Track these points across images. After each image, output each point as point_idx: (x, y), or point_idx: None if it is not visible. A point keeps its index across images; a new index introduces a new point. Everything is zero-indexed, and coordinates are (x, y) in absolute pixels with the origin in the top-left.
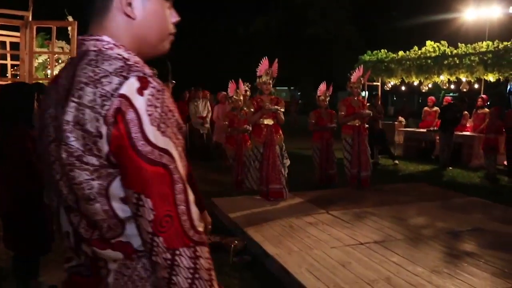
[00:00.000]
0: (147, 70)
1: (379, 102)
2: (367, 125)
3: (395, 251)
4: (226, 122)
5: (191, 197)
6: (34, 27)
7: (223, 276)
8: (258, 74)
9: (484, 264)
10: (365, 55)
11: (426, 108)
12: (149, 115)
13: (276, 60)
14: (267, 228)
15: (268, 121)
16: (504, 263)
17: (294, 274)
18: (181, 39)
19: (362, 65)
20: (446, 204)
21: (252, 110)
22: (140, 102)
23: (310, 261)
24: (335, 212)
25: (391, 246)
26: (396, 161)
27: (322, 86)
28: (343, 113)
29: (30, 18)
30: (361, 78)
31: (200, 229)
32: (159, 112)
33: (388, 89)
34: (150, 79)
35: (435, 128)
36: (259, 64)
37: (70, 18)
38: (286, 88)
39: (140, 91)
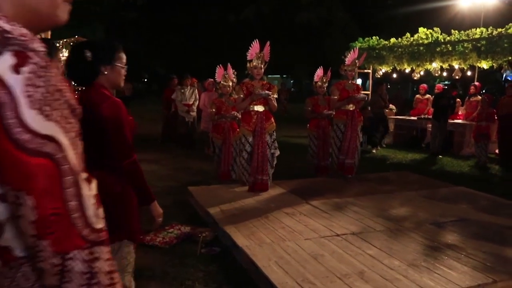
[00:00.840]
0: (35, 45)
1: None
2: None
3: (373, 243)
4: (213, 110)
5: (86, 190)
6: None
7: (188, 268)
8: (248, 57)
9: (466, 257)
10: (357, 42)
11: (417, 95)
12: (28, 96)
13: (268, 43)
14: (242, 219)
15: (259, 108)
16: (487, 256)
17: (262, 267)
18: (171, 27)
19: (357, 47)
20: (431, 193)
21: (241, 96)
22: (15, 82)
23: (281, 254)
24: (315, 202)
25: (369, 237)
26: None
27: (319, 71)
28: (336, 97)
29: None
30: (356, 61)
31: (99, 226)
32: (42, 92)
33: (379, 76)
34: (31, 54)
35: (427, 116)
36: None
37: None
38: (279, 76)
39: (16, 69)
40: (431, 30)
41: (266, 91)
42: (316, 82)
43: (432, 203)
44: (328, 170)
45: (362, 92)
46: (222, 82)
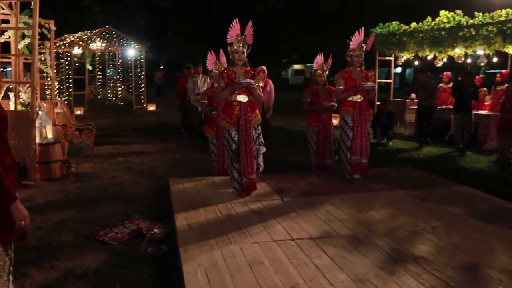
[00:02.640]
0: None
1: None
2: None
3: (327, 251)
4: (205, 101)
5: None
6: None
7: (123, 268)
8: (228, 40)
9: (427, 274)
10: (377, 27)
11: (441, 84)
12: None
13: (250, 23)
14: (201, 216)
15: (242, 98)
16: (454, 273)
17: (185, 273)
18: (205, 16)
19: (363, 28)
20: (424, 193)
21: (222, 85)
22: None
23: (216, 259)
24: (290, 200)
25: (327, 244)
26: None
27: (319, 58)
28: (341, 87)
29: None
30: (363, 45)
31: None
32: None
33: (400, 64)
34: None
35: (450, 106)
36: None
37: None
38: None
39: None
40: (453, 13)
41: (248, 80)
42: (315, 70)
43: (419, 205)
44: (330, 170)
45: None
46: (213, 70)
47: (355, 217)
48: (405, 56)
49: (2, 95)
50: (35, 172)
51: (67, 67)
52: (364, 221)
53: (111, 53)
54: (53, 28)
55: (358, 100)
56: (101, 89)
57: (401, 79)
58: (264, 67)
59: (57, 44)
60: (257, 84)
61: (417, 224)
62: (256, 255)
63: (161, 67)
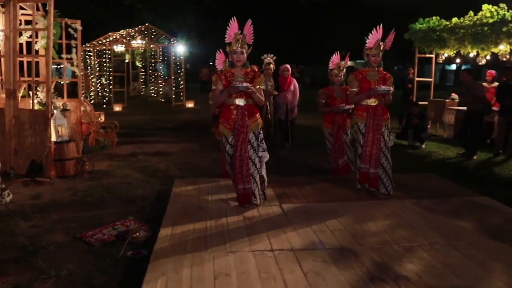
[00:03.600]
0: None
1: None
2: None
3: (303, 265)
4: (212, 102)
5: None
6: (18, 5)
7: (95, 272)
8: (226, 40)
9: None
10: (417, 23)
11: (484, 83)
12: None
13: (250, 21)
14: (189, 220)
15: (240, 101)
16: None
17: (145, 281)
18: (241, 12)
19: (381, 25)
20: (437, 204)
21: (220, 87)
22: None
23: (183, 268)
24: (289, 207)
25: (306, 256)
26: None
27: (335, 57)
28: (355, 89)
29: None
30: (381, 43)
31: None
32: None
33: (441, 61)
34: None
35: (494, 108)
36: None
37: None
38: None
39: None
40: (496, 7)
41: (245, 84)
42: (331, 70)
43: (426, 217)
44: (342, 171)
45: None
46: (222, 69)
47: (350, 228)
48: (445, 53)
49: (21, 94)
50: (50, 170)
51: (109, 65)
52: (357, 233)
53: (152, 51)
54: (79, 28)
55: (373, 104)
56: (144, 86)
57: (456, 77)
58: (287, 66)
59: (100, 42)
60: (258, 86)
61: (414, 239)
62: (225, 266)
63: (210, 63)
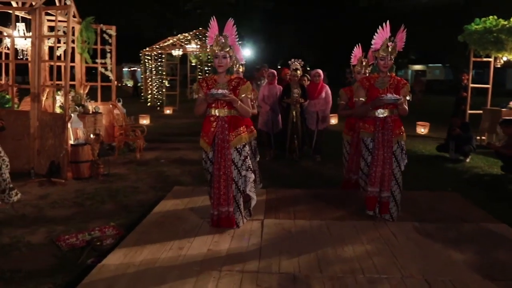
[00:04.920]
0: None
1: None
2: None
3: None
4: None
5: None
6: (43, 13)
7: (43, 277)
8: (208, 43)
9: None
10: (472, 23)
11: None
12: None
13: (230, 21)
14: (159, 231)
15: (220, 112)
16: None
17: None
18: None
19: (388, 22)
20: (442, 229)
21: (200, 95)
22: None
23: (115, 283)
24: (270, 222)
25: (252, 280)
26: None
27: (357, 51)
28: (362, 98)
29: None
30: (389, 43)
31: None
32: None
33: (499, 65)
34: None
35: None
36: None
37: (68, 2)
38: (440, 65)
39: None
40: None
41: (220, 91)
42: (353, 66)
43: (419, 244)
44: (354, 187)
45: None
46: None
47: (321, 251)
48: (504, 57)
49: (45, 97)
50: (66, 171)
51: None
52: (326, 258)
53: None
54: (113, 33)
55: (381, 116)
56: None
57: None
58: (319, 71)
59: (160, 45)
60: (243, 95)
61: (387, 270)
62: (156, 282)
63: (279, 66)
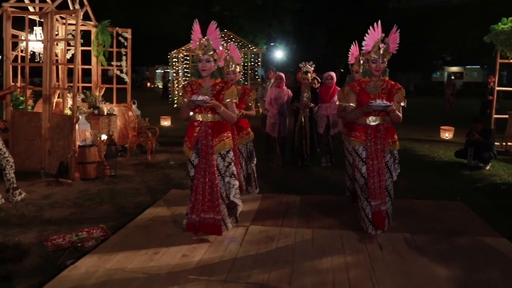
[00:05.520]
0: None
1: None
2: None
3: None
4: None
5: None
6: (54, 17)
7: (21, 277)
8: (192, 47)
9: None
10: (499, 23)
11: None
12: None
13: (213, 24)
14: (137, 235)
15: (204, 117)
16: None
17: None
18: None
19: (379, 22)
20: (432, 243)
21: (185, 100)
22: None
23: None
24: (255, 229)
25: None
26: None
27: (354, 49)
28: (352, 104)
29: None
30: (381, 45)
31: None
32: None
33: None
34: None
35: None
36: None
37: (76, 6)
38: (478, 66)
39: None
40: None
41: (201, 97)
42: (351, 65)
43: (403, 257)
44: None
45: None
46: (224, 67)
47: (297, 261)
48: None
49: (55, 99)
50: (74, 172)
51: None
52: (300, 269)
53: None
54: (129, 36)
55: (372, 124)
56: None
57: None
58: (331, 73)
59: (187, 47)
60: (227, 100)
61: (360, 285)
62: (120, 285)
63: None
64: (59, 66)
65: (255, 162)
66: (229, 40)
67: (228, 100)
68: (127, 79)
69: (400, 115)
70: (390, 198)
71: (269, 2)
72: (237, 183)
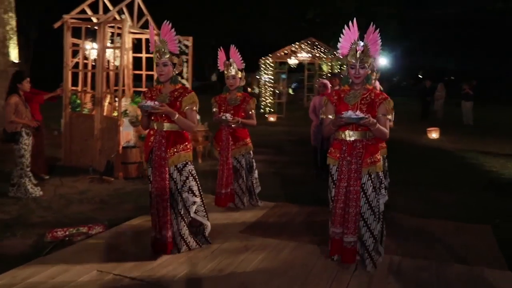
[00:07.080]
0: None
1: None
2: None
3: None
4: (215, 109)
5: None
6: (106, 27)
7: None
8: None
9: None
10: None
11: None
12: None
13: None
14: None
15: (159, 125)
16: None
17: None
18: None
19: (355, 20)
20: (421, 270)
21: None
22: None
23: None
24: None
25: None
26: None
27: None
28: (330, 115)
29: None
30: (358, 48)
31: None
32: None
33: None
34: None
35: None
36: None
37: (123, 17)
38: None
39: None
40: None
41: (149, 102)
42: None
43: (378, 284)
44: None
45: None
46: (225, 72)
47: (252, 280)
48: None
49: (106, 102)
50: (118, 170)
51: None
52: (253, 282)
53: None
54: (190, 44)
55: (348, 139)
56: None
57: None
58: (325, 81)
59: (278, 54)
60: (186, 107)
61: None
62: None
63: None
64: (125, 72)
65: (256, 175)
66: (314, 47)
67: (187, 107)
68: (188, 85)
69: (386, 130)
70: (370, 232)
71: (363, 8)
72: (197, 199)
